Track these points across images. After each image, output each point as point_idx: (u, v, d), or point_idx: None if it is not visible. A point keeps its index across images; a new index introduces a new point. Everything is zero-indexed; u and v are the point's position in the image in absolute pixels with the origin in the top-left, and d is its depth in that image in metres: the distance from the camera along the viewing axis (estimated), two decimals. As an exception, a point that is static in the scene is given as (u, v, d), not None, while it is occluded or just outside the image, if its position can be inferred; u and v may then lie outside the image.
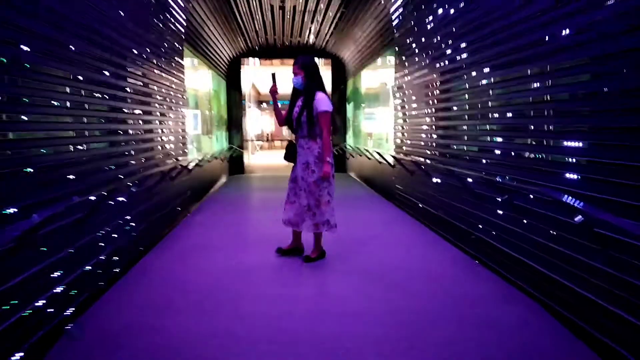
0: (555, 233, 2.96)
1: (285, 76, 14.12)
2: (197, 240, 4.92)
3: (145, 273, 3.84)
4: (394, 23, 6.89)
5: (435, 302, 3.20)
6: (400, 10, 6.50)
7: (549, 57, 3.04)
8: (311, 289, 3.52)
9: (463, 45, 4.43)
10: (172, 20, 6.14)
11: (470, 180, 4.24)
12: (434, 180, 5.17)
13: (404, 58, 6.48)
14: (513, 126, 3.65)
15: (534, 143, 3.29)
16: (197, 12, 7.19)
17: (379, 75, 8.73)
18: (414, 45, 6.03)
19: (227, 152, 11.26)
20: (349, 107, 12.24)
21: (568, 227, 2.80)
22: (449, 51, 4.81)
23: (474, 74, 4.22)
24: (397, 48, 6.87)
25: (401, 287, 3.50)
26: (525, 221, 3.30)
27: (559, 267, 2.91)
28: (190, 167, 6.88)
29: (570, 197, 2.63)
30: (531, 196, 3.22)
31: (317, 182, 3.99)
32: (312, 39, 11.11)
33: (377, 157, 7.93)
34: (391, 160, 7.09)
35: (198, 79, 8.59)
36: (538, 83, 3.22)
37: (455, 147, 4.70)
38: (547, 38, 3.07)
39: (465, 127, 4.53)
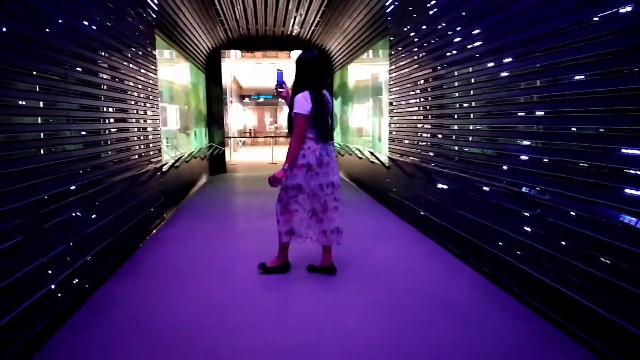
0: (609, 261, 2.38)
1: (270, 70, 13.14)
2: (166, 263, 4.13)
3: (100, 310, 3.14)
4: (388, 10, 6.27)
5: (469, 353, 2.60)
6: (397, -6, 5.88)
7: (598, 42, 2.46)
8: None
9: (477, 31, 3.83)
10: (142, 5, 5.43)
11: (486, 188, 3.65)
12: (439, 185, 4.58)
13: (400, 48, 5.87)
14: (545, 127, 3.05)
15: (576, 149, 2.70)
16: (170, -3, 6.49)
17: (370, 68, 8.11)
18: (412, 34, 5.42)
19: (207, 150, 10.54)
20: (336, 103, 11.61)
21: (630, 256, 2.23)
22: (457, 39, 4.20)
23: (490, 64, 3.62)
24: (391, 38, 6.26)
25: (413, 323, 2.90)
26: (563, 243, 2.72)
27: (619, 305, 2.33)
28: (164, 169, 6.20)
29: (631, 218, 2.05)
30: (573, 213, 2.64)
31: (323, 185, 3.61)
32: (296, 29, 10.43)
33: (369, 156, 7.33)
34: (385, 160, 6.49)
35: (174, 71, 7.87)
36: (583, 74, 2.63)
37: (466, 149, 4.11)
38: (594, 19, 2.48)
39: (479, 127, 3.94)
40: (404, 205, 5.76)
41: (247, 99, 29.91)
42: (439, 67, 4.66)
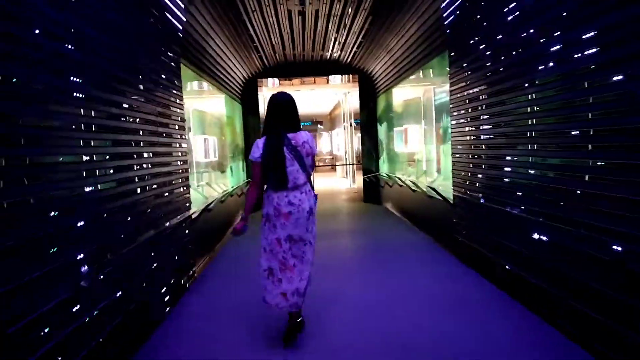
0: None
1: (306, 96, 12.31)
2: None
3: None
4: (446, 22, 5.37)
5: None
6: (459, 1, 4.97)
7: None
8: None
9: (587, 35, 2.86)
10: (164, 32, 4.76)
11: (618, 248, 2.62)
12: (535, 236, 3.56)
13: (464, 65, 4.93)
14: None
15: None
16: (198, 23, 5.83)
17: (420, 89, 7.19)
18: (481, 46, 4.48)
19: (245, 186, 9.81)
20: (381, 128, 10.70)
21: None
22: (556, 47, 3.23)
23: (608, 79, 2.64)
24: (451, 54, 5.33)
25: None
26: None
27: None
28: (195, 215, 5.43)
29: None
30: None
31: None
32: (336, 52, 9.68)
33: (428, 190, 6.34)
34: (450, 196, 5.49)
35: (207, 103, 7.21)
36: None
37: (578, 191, 3.09)
38: None
39: (599, 163, 2.92)
40: (478, 253, 4.72)
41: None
42: (526, 85, 3.69)
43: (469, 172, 4.94)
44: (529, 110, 3.69)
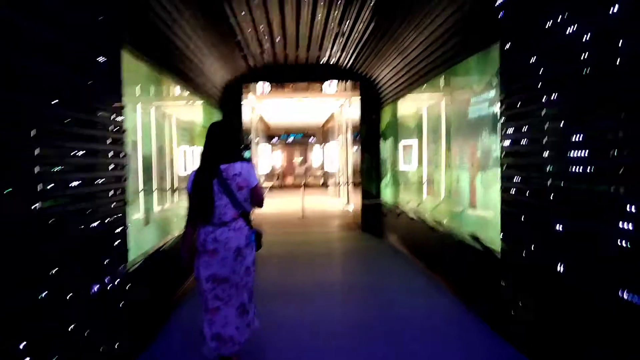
0: None
1: (298, 105, 10.47)
2: None
3: None
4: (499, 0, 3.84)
5: None
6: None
7: None
8: None
9: None
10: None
11: None
12: None
13: (534, 59, 3.35)
14: None
15: None
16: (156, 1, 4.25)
17: (447, 98, 5.62)
18: (571, 27, 2.92)
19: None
20: (385, 145, 9.14)
21: None
22: None
23: None
24: (506, 44, 3.78)
25: None
26: None
27: None
28: (135, 266, 3.79)
29: None
30: None
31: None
32: (336, 53, 8.14)
33: (463, 235, 4.76)
34: (496, 247, 3.90)
35: (174, 110, 5.59)
36: None
37: None
38: None
39: None
40: (551, 345, 3.12)
41: (275, 139, 27.89)
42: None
43: (536, 220, 3.34)
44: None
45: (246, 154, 3.16)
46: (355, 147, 11.42)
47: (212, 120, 8.09)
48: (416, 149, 6.93)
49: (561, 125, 3.03)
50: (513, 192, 3.67)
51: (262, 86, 12.96)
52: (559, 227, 3.00)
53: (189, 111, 6.63)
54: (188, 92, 6.45)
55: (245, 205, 3.19)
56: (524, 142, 3.55)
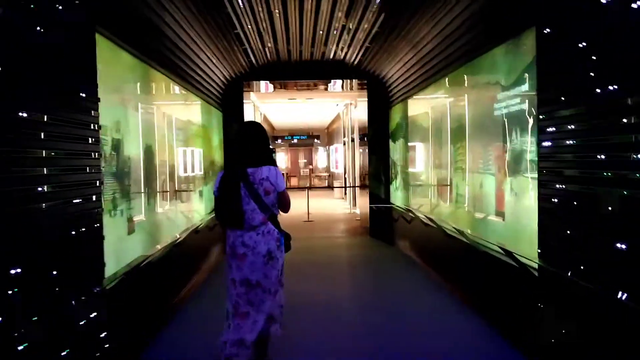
0: None
1: (302, 106, 9.90)
2: None
3: None
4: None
5: None
6: None
7: None
8: None
9: None
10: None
11: None
12: None
13: (579, 46, 2.82)
14: None
15: None
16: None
17: (469, 94, 5.09)
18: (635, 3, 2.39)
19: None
20: (395, 147, 8.61)
21: None
22: None
23: None
24: (545, 29, 3.25)
25: None
26: None
27: None
28: (114, 283, 3.29)
29: None
30: None
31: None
32: (342, 49, 7.63)
33: (485, 244, 4.23)
34: (532, 263, 3.36)
35: (166, 107, 5.08)
36: None
37: None
38: None
39: None
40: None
41: (279, 140, 27.40)
42: None
43: (587, 235, 2.80)
44: None
45: None
46: (362, 149, 10.93)
47: (211, 119, 7.60)
48: (430, 150, 6.40)
49: (621, 122, 2.50)
50: (555, 201, 3.13)
51: (266, 85, 12.48)
52: (619, 245, 2.47)
53: (184, 109, 6.13)
54: (183, 89, 5.95)
55: (273, 209, 3.15)
56: (569, 142, 3.01)
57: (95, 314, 2.95)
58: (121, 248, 3.70)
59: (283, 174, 22.61)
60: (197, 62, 6.21)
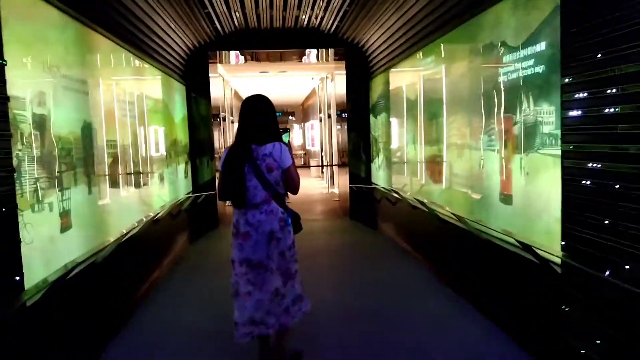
0: None
1: (275, 81, 8.84)
2: None
3: None
4: None
5: None
6: None
7: None
8: None
9: None
10: None
11: None
12: None
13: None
14: None
15: None
16: None
17: (472, 59, 4.44)
18: None
19: (185, 202, 6.89)
20: (376, 122, 7.96)
21: None
22: None
23: None
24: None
25: None
26: None
27: None
28: (33, 300, 2.59)
29: None
30: None
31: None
32: (316, 15, 6.88)
33: (499, 236, 3.66)
34: (555, 258, 2.79)
35: (107, 76, 4.27)
36: None
37: None
38: None
39: None
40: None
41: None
42: None
43: (628, 227, 2.23)
44: None
45: (284, 138, 3.16)
46: (339, 125, 10.28)
47: (172, 93, 6.80)
48: (418, 125, 5.77)
49: None
50: (585, 184, 2.54)
51: (237, 57, 11.61)
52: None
53: (138, 81, 5.33)
54: (136, 57, 5.13)
55: (277, 188, 3.02)
56: (606, 111, 2.41)
57: (10, 337, 2.26)
58: (52, 249, 2.99)
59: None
60: (152, 27, 5.39)
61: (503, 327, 3.60)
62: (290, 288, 3.07)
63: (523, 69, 3.34)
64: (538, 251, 2.86)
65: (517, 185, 3.45)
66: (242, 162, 2.95)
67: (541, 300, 3.06)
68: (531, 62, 3.23)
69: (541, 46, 3.09)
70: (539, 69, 3.12)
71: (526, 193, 3.32)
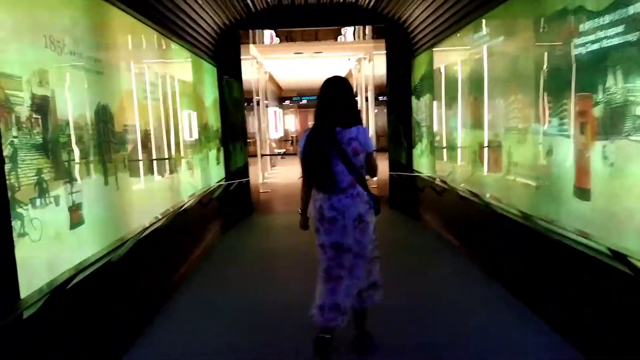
0: None
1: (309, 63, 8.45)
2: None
3: None
4: None
5: None
6: None
7: None
8: None
9: None
10: None
11: None
12: None
13: None
14: None
15: None
16: None
17: (536, 31, 3.83)
18: None
19: (218, 189, 6.55)
20: (419, 104, 7.38)
21: None
22: None
23: None
24: None
25: None
26: None
27: None
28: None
29: None
30: None
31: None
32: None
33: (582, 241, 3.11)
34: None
35: (127, 56, 3.92)
36: None
37: None
38: None
39: None
40: None
41: (287, 101, 26.04)
42: None
43: None
44: None
45: None
46: (377, 109, 9.73)
47: (202, 75, 6.44)
48: (469, 108, 5.19)
49: None
50: None
51: (271, 37, 11.19)
52: None
53: (164, 62, 4.97)
54: (161, 35, 4.77)
55: (361, 171, 2.98)
56: None
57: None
58: (59, 249, 2.66)
59: (293, 137, 21.39)
60: (178, 3, 5.01)
61: (573, 342, 3.07)
62: (368, 273, 3.04)
63: (608, 37, 2.74)
64: (632, 260, 2.31)
65: (597, 177, 2.88)
66: (328, 146, 2.89)
67: (633, 319, 2.52)
68: (620, 28, 2.63)
69: (635, 8, 2.50)
70: (632, 36, 2.53)
71: (610, 187, 2.76)
